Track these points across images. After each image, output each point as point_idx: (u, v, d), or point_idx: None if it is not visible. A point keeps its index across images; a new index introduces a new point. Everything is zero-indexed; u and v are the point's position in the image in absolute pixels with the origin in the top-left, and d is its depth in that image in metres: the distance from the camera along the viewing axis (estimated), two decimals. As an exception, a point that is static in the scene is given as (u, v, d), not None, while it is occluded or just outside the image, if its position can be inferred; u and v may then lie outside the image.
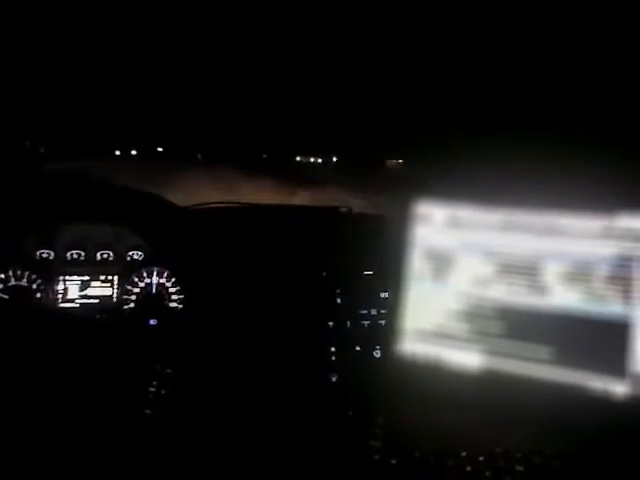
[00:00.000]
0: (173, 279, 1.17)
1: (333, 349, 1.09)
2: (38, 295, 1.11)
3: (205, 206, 1.34)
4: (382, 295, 1.13)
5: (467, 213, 0.84)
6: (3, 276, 1.10)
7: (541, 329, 0.76)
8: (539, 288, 0.77)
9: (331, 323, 1.11)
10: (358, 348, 1.10)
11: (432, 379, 0.83)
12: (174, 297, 1.17)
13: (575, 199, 0.77)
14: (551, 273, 0.76)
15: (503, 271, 0.79)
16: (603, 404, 0.72)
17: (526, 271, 0.78)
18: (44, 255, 1.14)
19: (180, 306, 1.16)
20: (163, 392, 0.79)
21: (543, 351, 0.76)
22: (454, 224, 0.84)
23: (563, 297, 0.76)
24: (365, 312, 1.12)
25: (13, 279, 1.11)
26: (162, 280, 1.17)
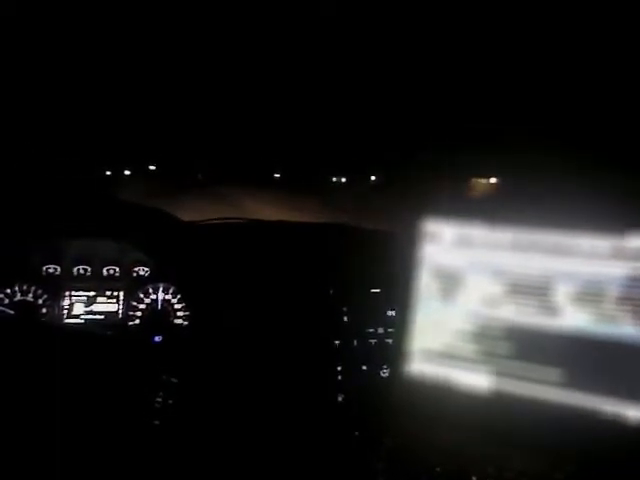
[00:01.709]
0: (179, 295, 1.17)
1: (339, 368, 1.08)
2: (44, 311, 1.11)
3: (210, 222, 1.34)
4: (389, 313, 1.12)
5: (476, 232, 0.83)
6: (9, 291, 1.10)
7: (550, 351, 0.75)
8: (549, 309, 0.76)
9: (338, 341, 1.10)
10: (365, 367, 1.09)
11: (440, 400, 0.82)
12: (179, 313, 1.16)
13: (585, 219, 0.77)
14: (561, 293, 0.76)
15: (512, 291, 0.79)
16: (614, 428, 0.71)
17: (536, 291, 0.77)
18: (50, 270, 1.14)
19: (185, 323, 1.15)
20: (170, 402, 0.79)
21: (552, 373, 0.75)
22: (463, 243, 0.84)
23: (573, 318, 0.75)
24: (372, 330, 1.11)
25: (19, 294, 1.10)
26: (168, 296, 1.17)
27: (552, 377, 0.75)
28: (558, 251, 0.77)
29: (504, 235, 0.81)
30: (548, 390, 0.75)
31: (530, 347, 0.76)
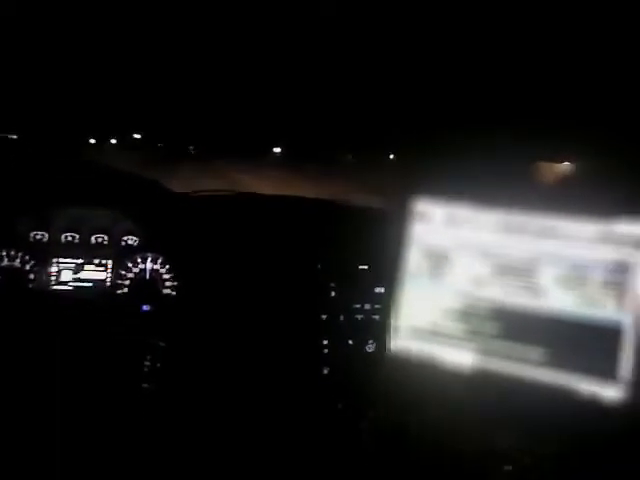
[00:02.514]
0: (167, 266, 1.16)
1: (326, 342, 1.09)
2: (31, 277, 1.11)
3: (202, 193, 1.33)
4: (377, 290, 1.13)
5: (465, 212, 0.84)
6: (-4, 256, 1.09)
7: (535, 331, 0.77)
8: (534, 290, 0.77)
9: (324, 316, 1.11)
10: (350, 342, 1.10)
11: (424, 376, 0.84)
12: (168, 283, 1.16)
13: (574, 203, 0.77)
14: (547, 276, 0.77)
15: (499, 272, 0.79)
16: (592, 407, 0.73)
17: (522, 273, 0.78)
18: (38, 237, 1.13)
19: (173, 293, 1.16)
20: (158, 365, 0.80)
21: (536, 353, 0.76)
22: (452, 223, 0.84)
23: (558, 300, 0.76)
24: (359, 306, 1.12)
25: (6, 259, 1.10)
26: (156, 266, 1.16)
27: (535, 356, 0.76)
28: (545, 234, 0.78)
29: (493, 216, 0.82)
30: (530, 369, 0.76)
31: (515, 327, 0.78)
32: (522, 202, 0.80)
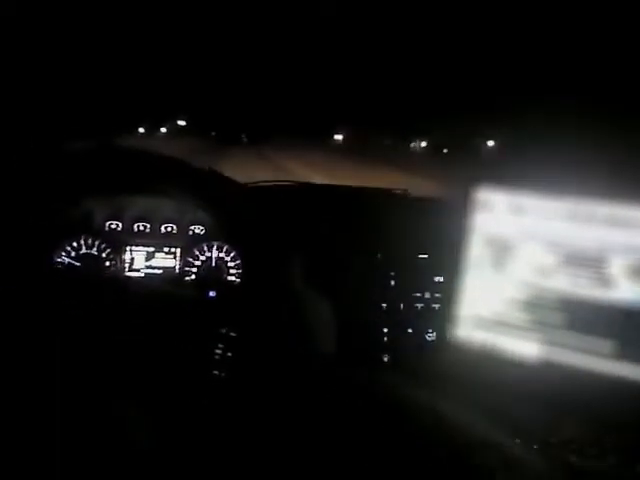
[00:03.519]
0: (232, 253, 1.21)
1: (386, 330, 1.11)
2: (107, 264, 1.18)
3: (263, 184, 1.37)
4: (436, 279, 1.13)
5: (530, 201, 0.83)
6: (75, 245, 1.17)
7: (602, 322, 0.75)
8: (603, 280, 0.76)
9: (384, 305, 1.13)
10: (410, 330, 1.11)
11: (487, 366, 0.84)
12: (232, 271, 1.21)
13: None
14: (617, 266, 0.75)
15: (566, 262, 0.79)
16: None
17: (590, 263, 0.77)
18: (113, 226, 1.20)
19: (238, 280, 1.20)
20: (229, 354, 0.83)
21: (604, 344, 0.75)
22: (516, 212, 0.84)
23: (627, 291, 0.74)
24: (419, 295, 1.13)
25: (84, 248, 1.17)
26: (221, 254, 1.21)
27: (603, 348, 0.75)
28: (614, 222, 0.76)
29: (559, 204, 0.80)
30: (598, 361, 0.75)
31: (582, 318, 0.77)
32: (590, 189, 0.78)
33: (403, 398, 0.62)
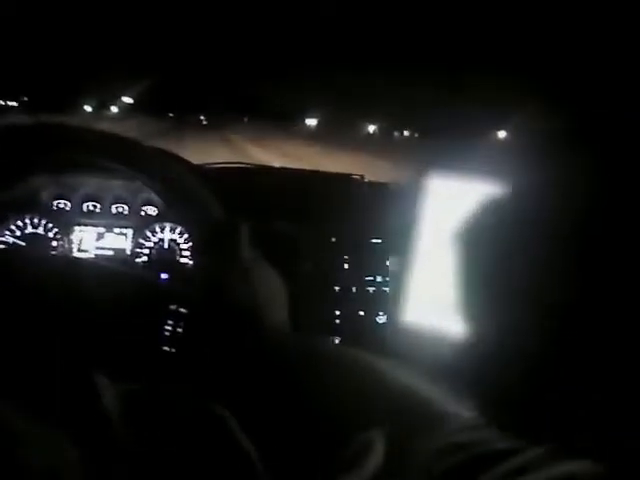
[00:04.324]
0: (185, 235, 1.20)
1: (338, 312, 1.12)
2: (54, 244, 1.14)
3: (218, 165, 1.35)
4: (388, 263, 1.16)
5: (480, 188, 0.85)
6: (20, 223, 1.13)
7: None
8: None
9: (337, 287, 1.14)
10: (362, 313, 1.13)
11: (434, 348, 0.86)
12: (185, 253, 1.20)
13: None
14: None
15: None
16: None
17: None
18: (60, 205, 1.16)
19: (190, 262, 1.19)
20: (179, 330, 0.83)
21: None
22: (466, 198, 0.86)
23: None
24: (371, 279, 1.15)
25: (30, 227, 1.13)
26: (174, 236, 1.20)
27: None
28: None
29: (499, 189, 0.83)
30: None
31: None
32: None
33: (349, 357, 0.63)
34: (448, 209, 0.87)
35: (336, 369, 0.58)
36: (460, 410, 0.53)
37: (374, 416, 0.50)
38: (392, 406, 0.52)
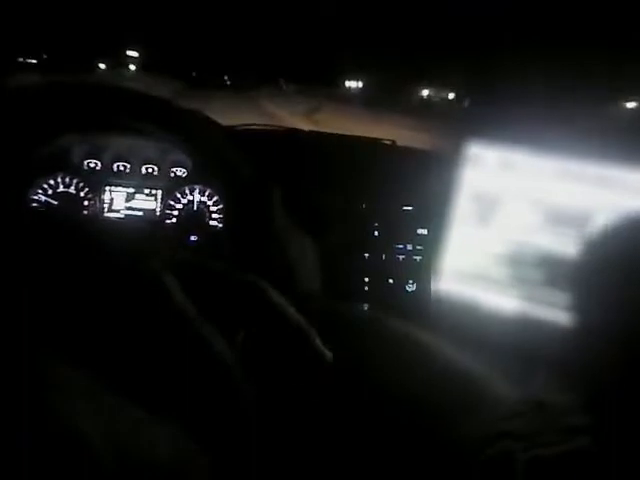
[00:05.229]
0: (215, 197, 1.19)
1: (367, 279, 1.12)
2: (85, 203, 1.15)
3: (248, 127, 1.33)
4: (419, 231, 1.14)
5: (520, 157, 0.82)
6: (52, 182, 1.13)
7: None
8: (586, 240, 0.76)
9: (367, 254, 1.13)
10: (391, 281, 1.12)
11: (465, 318, 0.85)
12: (215, 215, 1.19)
13: (635, 153, 0.75)
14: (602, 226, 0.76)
15: (551, 220, 0.79)
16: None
17: (575, 222, 0.77)
18: (91, 165, 1.16)
19: (220, 225, 1.19)
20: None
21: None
22: (505, 168, 0.83)
23: (609, 250, 0.75)
24: (401, 247, 1.13)
25: (62, 186, 1.14)
26: (204, 198, 1.19)
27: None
28: (603, 183, 0.76)
29: (549, 162, 0.80)
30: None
31: (563, 275, 0.78)
32: (581, 149, 0.78)
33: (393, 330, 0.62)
34: (489, 180, 0.84)
35: (386, 343, 0.57)
36: (507, 391, 0.52)
37: (428, 396, 0.50)
38: (444, 385, 0.51)
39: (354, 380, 0.50)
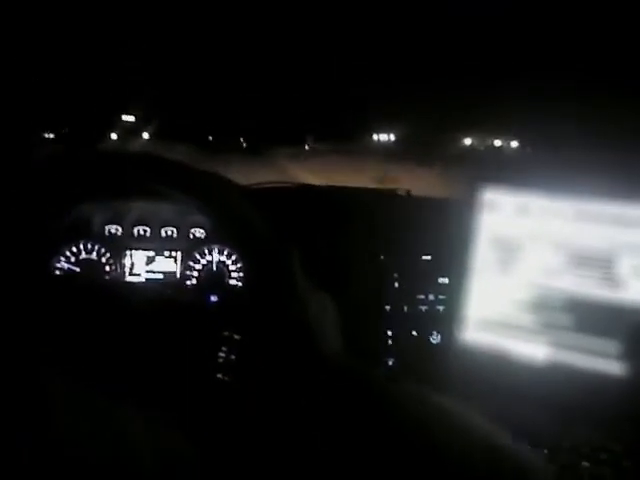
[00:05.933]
0: (233, 257, 1.20)
1: (390, 332, 1.10)
2: (107, 269, 1.16)
3: (262, 186, 1.36)
4: (440, 281, 1.12)
5: (537, 201, 0.82)
6: (75, 249, 1.15)
7: (612, 323, 0.74)
8: (612, 281, 0.75)
9: (388, 307, 1.12)
10: (414, 333, 1.10)
11: (493, 368, 0.83)
12: (234, 274, 1.20)
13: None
14: (625, 266, 0.74)
15: (574, 262, 0.77)
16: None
17: (598, 263, 0.76)
18: (112, 230, 1.19)
19: (240, 284, 1.19)
20: (233, 357, 0.82)
21: (613, 346, 0.74)
22: (523, 212, 0.83)
23: (637, 291, 0.73)
24: (423, 297, 1.12)
25: (84, 252, 1.16)
26: (222, 257, 1.20)
27: (612, 350, 0.74)
28: (622, 222, 0.75)
29: (566, 204, 0.79)
30: (607, 363, 0.74)
31: (590, 319, 0.76)
32: (598, 189, 0.77)
33: (411, 396, 0.61)
34: (507, 225, 0.84)
35: (410, 413, 0.56)
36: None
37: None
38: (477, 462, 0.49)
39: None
